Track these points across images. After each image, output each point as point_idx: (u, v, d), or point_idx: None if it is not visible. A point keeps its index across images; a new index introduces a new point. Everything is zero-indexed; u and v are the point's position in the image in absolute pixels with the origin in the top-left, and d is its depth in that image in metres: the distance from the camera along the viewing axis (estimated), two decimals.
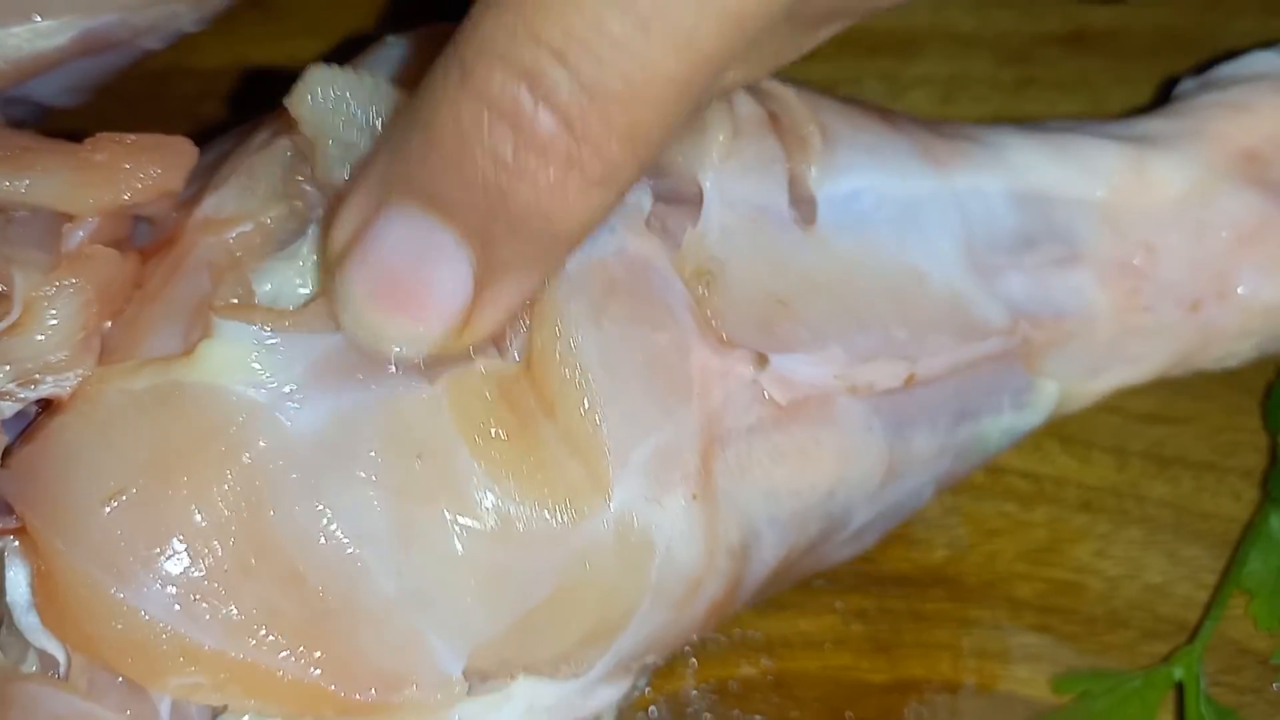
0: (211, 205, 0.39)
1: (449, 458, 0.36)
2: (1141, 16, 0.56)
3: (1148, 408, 0.51)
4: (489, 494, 0.37)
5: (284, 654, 0.36)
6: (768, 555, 0.41)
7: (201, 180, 0.40)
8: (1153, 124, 0.47)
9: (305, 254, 0.38)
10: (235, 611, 0.36)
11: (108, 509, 0.35)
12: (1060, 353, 0.45)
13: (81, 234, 0.38)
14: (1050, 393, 0.45)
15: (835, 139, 0.43)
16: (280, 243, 0.38)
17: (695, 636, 0.41)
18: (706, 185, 0.41)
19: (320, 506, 0.36)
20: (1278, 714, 0.48)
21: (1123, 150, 0.46)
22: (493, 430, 0.37)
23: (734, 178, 0.41)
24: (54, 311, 0.37)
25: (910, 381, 0.42)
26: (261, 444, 0.36)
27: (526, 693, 0.38)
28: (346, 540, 0.36)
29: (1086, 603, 0.49)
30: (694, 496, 0.39)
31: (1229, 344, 0.46)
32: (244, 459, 0.36)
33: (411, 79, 0.35)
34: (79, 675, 0.36)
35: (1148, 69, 0.52)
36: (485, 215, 0.33)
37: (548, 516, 0.37)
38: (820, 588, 0.49)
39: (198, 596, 0.35)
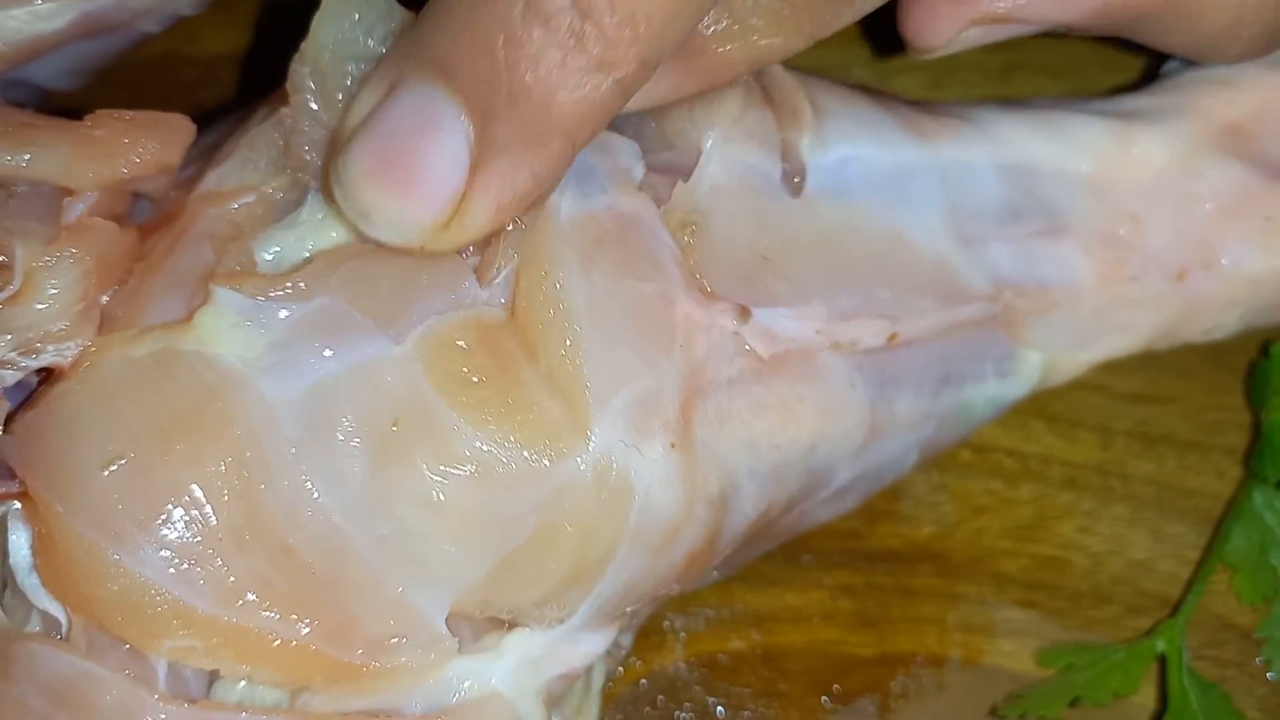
0: (214, 179, 0.39)
1: (426, 414, 0.37)
2: None
3: (1133, 387, 0.51)
4: (468, 440, 0.37)
5: (275, 618, 0.36)
6: (747, 507, 0.41)
7: (201, 161, 0.40)
8: (1138, 100, 0.47)
9: (305, 219, 0.38)
10: (229, 578, 0.36)
11: (106, 473, 0.36)
12: (1044, 321, 0.45)
13: (81, 207, 0.38)
14: (1034, 363, 0.46)
15: (825, 111, 0.43)
16: (282, 212, 0.39)
17: (676, 588, 0.41)
18: (708, 145, 0.42)
19: (304, 480, 0.36)
20: (1260, 687, 0.49)
21: (1108, 125, 0.46)
22: (472, 378, 0.37)
23: (734, 143, 0.42)
24: (54, 282, 0.37)
25: (893, 341, 0.43)
26: (250, 414, 0.36)
27: (516, 646, 0.39)
28: (331, 512, 0.36)
29: (1071, 578, 0.50)
30: (673, 445, 0.39)
31: (1215, 314, 0.46)
32: (235, 431, 0.36)
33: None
34: (79, 636, 0.36)
35: (1134, 55, 0.52)
36: (489, 85, 0.34)
37: (527, 456, 0.37)
38: (809, 564, 0.49)
39: (192, 561, 0.36)
